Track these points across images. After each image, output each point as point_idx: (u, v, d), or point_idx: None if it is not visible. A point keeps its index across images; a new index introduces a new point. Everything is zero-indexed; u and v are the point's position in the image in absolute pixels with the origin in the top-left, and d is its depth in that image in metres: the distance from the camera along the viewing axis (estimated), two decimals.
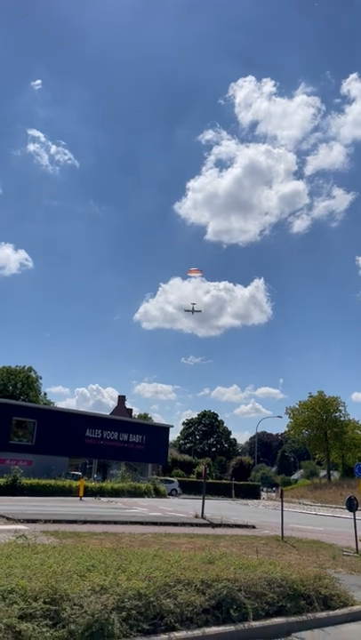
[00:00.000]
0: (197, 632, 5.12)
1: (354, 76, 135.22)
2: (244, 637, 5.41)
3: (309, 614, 6.21)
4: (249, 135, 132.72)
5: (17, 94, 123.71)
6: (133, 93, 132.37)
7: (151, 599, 5.07)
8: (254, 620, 5.64)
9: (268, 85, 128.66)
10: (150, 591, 5.17)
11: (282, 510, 14.57)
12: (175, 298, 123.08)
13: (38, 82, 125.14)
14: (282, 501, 15.39)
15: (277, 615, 5.93)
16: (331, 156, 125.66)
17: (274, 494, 57.00)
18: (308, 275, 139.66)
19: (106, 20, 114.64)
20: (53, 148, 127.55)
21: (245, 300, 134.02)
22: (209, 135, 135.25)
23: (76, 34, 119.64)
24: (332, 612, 6.42)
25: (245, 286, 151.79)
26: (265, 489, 65.28)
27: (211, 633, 5.20)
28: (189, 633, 5.06)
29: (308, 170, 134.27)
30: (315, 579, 6.79)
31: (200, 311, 49.66)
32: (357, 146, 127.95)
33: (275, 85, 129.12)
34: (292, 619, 5.99)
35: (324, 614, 6.31)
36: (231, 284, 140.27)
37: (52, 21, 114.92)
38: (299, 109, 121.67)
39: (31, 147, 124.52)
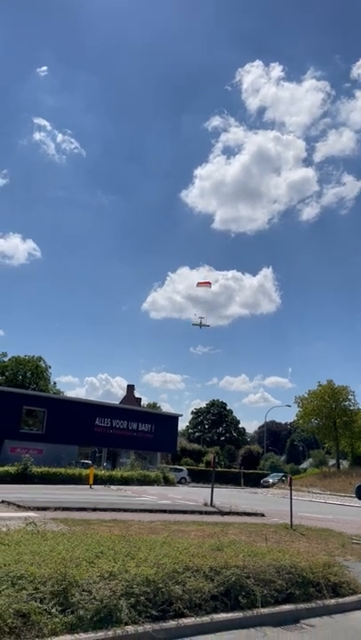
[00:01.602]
0: (206, 618, 5.14)
1: None
2: (253, 624, 5.42)
3: (318, 601, 6.20)
4: (257, 122, 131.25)
5: (22, 81, 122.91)
6: (139, 80, 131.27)
7: (160, 585, 5.09)
8: (263, 606, 5.65)
9: (277, 70, 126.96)
10: (159, 578, 5.19)
11: (291, 498, 14.57)
12: (183, 287, 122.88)
13: (44, 68, 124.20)
14: (291, 490, 15.39)
15: (286, 602, 5.94)
16: (340, 142, 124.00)
17: (283, 483, 57.15)
18: (317, 263, 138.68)
19: (111, 6, 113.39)
20: (60, 137, 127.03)
21: (254, 290, 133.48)
22: (216, 122, 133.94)
23: (81, 20, 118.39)
24: (341, 600, 6.42)
25: (254, 275, 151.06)
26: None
27: (219, 619, 5.22)
28: (198, 619, 5.07)
29: (318, 156, 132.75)
30: (324, 566, 6.78)
31: (208, 326, 49.61)
32: None
33: (283, 70, 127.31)
34: (301, 606, 5.99)
35: (333, 602, 6.31)
36: (240, 274, 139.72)
37: (57, 7, 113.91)
38: (308, 94, 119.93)
39: (37, 135, 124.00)
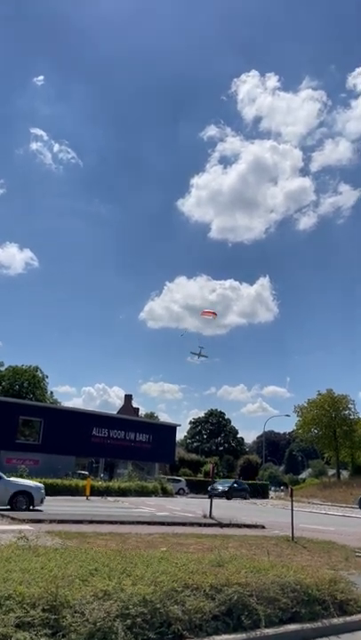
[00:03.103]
0: None
1: (360, 69, 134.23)
2: None
3: (325, 620, 5.87)
4: (253, 131, 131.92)
5: (19, 90, 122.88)
6: (135, 89, 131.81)
7: (158, 605, 4.77)
8: (267, 626, 5.32)
9: (272, 80, 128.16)
10: (157, 597, 4.87)
11: (292, 510, 14.23)
12: (181, 297, 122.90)
13: (41, 78, 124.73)
14: (292, 501, 15.05)
15: (291, 622, 5.61)
16: (337, 152, 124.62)
17: (282, 493, 56.57)
18: (314, 272, 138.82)
19: (107, 15, 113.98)
20: (56, 147, 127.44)
21: (251, 299, 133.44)
22: (212, 131, 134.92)
23: (77, 29, 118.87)
24: (348, 618, 6.08)
25: (251, 284, 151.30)
26: (273, 488, 64.88)
27: None
28: None
29: (314, 166, 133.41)
30: (330, 582, 6.46)
31: (206, 357, 48.85)
32: None
33: (279, 80, 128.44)
34: (307, 625, 5.66)
35: (340, 620, 5.97)
36: (237, 283, 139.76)
37: (52, 17, 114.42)
38: (304, 104, 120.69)
39: (34, 145, 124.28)
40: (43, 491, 17.81)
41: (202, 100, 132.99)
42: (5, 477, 17.43)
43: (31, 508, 16.81)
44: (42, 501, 17.42)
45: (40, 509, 17.04)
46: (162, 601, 4.86)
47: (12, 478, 18.32)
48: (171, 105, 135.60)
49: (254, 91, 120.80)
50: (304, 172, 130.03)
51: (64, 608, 4.37)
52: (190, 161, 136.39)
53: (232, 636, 5.03)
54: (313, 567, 7.73)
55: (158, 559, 6.40)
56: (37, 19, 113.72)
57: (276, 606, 5.59)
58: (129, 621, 4.46)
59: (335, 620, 5.95)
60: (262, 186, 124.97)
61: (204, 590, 5.35)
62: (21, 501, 16.79)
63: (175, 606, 4.89)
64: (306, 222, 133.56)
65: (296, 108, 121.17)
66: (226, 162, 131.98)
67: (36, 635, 4.01)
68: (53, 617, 4.25)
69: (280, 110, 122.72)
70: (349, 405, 56.65)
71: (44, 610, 4.29)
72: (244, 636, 5.09)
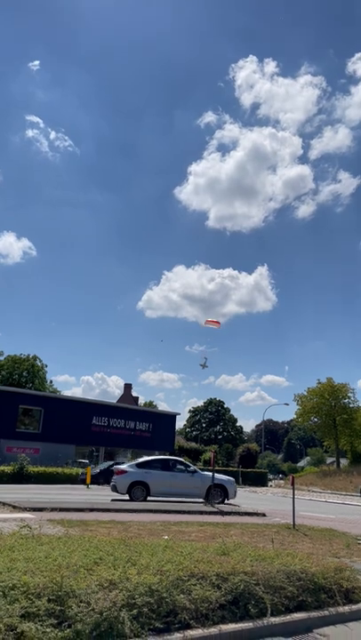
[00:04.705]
0: (213, 629, 4.76)
1: (360, 55, 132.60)
2: (263, 634, 5.05)
3: (331, 609, 5.83)
4: (251, 118, 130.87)
5: (14, 76, 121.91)
6: (132, 76, 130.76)
7: (164, 595, 4.71)
8: (273, 615, 5.28)
9: (271, 66, 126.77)
10: (162, 586, 4.82)
11: (293, 498, 14.22)
12: (179, 285, 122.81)
13: (36, 63, 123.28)
14: (293, 489, 15.01)
15: (298, 610, 5.57)
16: (336, 139, 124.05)
17: (282, 482, 56.87)
18: (313, 261, 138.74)
19: (104, 2, 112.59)
20: (53, 134, 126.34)
21: (250, 288, 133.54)
22: (210, 118, 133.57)
23: (73, 14, 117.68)
24: (354, 607, 6.04)
25: (250, 273, 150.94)
26: (272, 476, 65.23)
27: (228, 630, 4.85)
28: (205, 631, 4.70)
29: (313, 153, 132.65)
30: (335, 571, 6.41)
31: (207, 367, 48.65)
32: None
33: (277, 66, 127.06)
34: (314, 614, 5.62)
35: (346, 609, 5.93)
36: (236, 272, 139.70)
37: (48, 1, 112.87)
38: (303, 90, 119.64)
39: (30, 132, 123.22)
40: (235, 484, 18.61)
41: (199, 87, 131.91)
42: (200, 472, 18.26)
43: (225, 501, 17.55)
44: (235, 494, 18.23)
45: (234, 504, 17.83)
46: (168, 590, 4.80)
47: (205, 472, 19.08)
48: (168, 91, 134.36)
49: (252, 76, 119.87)
50: (303, 159, 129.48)
51: (69, 598, 4.31)
52: (188, 148, 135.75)
53: (239, 624, 4.99)
54: (317, 555, 7.70)
55: (163, 548, 6.35)
56: (33, 2, 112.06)
57: (282, 595, 5.55)
58: (135, 611, 4.40)
59: (341, 609, 5.91)
60: (261, 173, 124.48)
61: (210, 579, 5.29)
62: (216, 494, 17.51)
63: (181, 595, 4.84)
64: (305, 210, 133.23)
65: (295, 95, 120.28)
66: (224, 149, 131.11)
67: (41, 625, 3.95)
68: (59, 607, 4.18)
69: (279, 97, 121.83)
70: (349, 394, 56.79)
71: (49, 600, 4.22)
72: (250, 624, 5.05)
